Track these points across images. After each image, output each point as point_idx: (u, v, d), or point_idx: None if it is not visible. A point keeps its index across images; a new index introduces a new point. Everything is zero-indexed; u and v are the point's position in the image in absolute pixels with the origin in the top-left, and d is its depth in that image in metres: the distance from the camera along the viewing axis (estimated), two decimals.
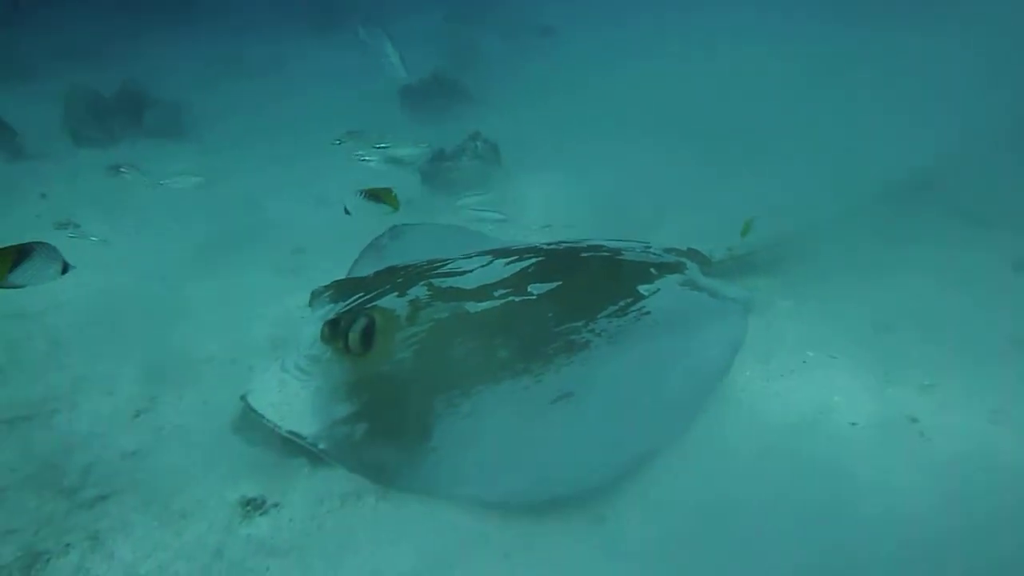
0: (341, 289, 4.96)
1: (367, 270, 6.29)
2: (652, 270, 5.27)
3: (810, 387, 4.74)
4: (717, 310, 5.17)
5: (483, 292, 4.81)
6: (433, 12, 19.57)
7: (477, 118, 11.07)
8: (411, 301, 4.66)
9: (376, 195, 5.46)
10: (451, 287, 4.81)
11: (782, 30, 14.80)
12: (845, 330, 5.19)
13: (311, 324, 4.80)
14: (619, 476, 3.99)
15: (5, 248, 3.96)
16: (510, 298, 4.79)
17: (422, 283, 4.82)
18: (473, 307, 4.71)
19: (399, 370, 4.46)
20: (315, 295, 4.99)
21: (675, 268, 5.38)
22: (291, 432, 4.37)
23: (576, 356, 4.58)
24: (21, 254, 4.03)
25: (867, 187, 6.90)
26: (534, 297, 4.83)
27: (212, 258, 7.21)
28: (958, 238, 6.58)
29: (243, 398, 4.64)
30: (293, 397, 4.52)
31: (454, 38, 16.18)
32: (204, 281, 6.82)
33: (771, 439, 4.25)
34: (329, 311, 4.78)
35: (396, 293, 4.75)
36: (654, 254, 5.54)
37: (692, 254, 5.66)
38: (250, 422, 4.69)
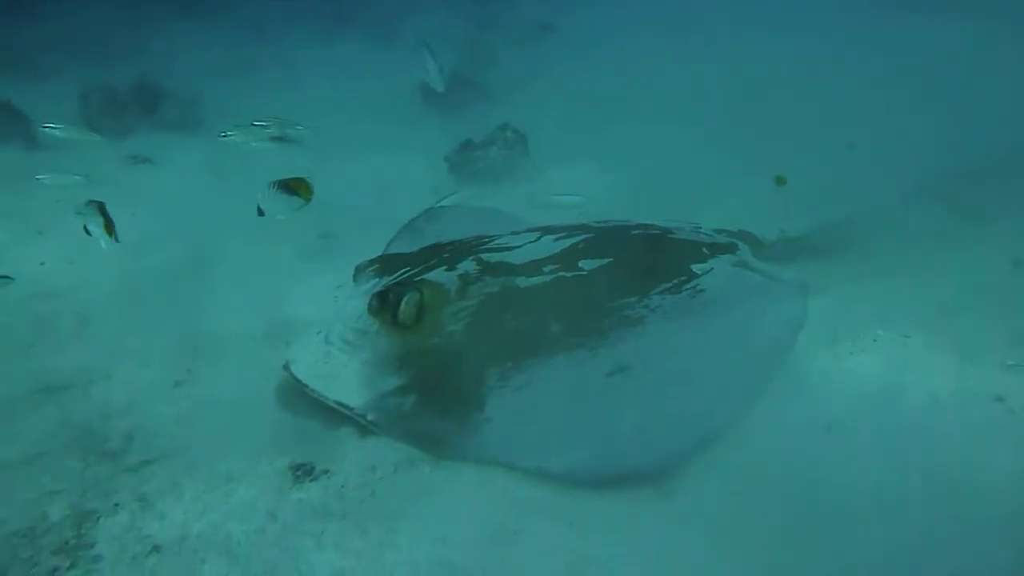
0: (386, 264, 4.95)
1: (404, 249, 6.31)
2: (704, 250, 5.25)
3: (884, 365, 4.67)
4: (774, 290, 5.15)
5: (533, 267, 4.80)
6: (438, 11, 19.55)
7: (496, 112, 11.09)
8: (460, 275, 4.66)
9: (289, 186, 5.28)
10: (500, 262, 4.80)
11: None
12: (911, 311, 5.13)
13: (355, 298, 4.79)
14: (689, 451, 3.96)
15: None
16: (560, 273, 4.79)
17: (470, 258, 4.81)
18: (523, 282, 4.70)
19: (449, 343, 4.45)
20: (359, 270, 4.98)
21: (727, 249, 5.37)
22: (338, 403, 4.35)
23: (631, 331, 4.57)
24: None
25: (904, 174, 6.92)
26: (585, 273, 4.82)
27: (232, 241, 7.17)
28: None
29: (286, 368, 4.61)
30: (340, 368, 4.50)
31: (465, 36, 16.22)
32: (226, 262, 6.78)
33: (846, 415, 4.21)
34: (375, 285, 4.77)
35: (445, 267, 4.73)
36: (705, 234, 5.53)
37: (744, 235, 5.66)
38: (291, 393, 4.68)
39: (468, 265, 4.74)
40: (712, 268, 5.07)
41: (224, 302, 6.00)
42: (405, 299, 4.48)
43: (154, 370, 5.15)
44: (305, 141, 8.62)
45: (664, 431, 4.02)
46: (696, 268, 5.03)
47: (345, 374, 4.50)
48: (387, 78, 13.41)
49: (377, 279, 4.83)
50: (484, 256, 4.83)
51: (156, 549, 3.61)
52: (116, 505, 3.89)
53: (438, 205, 7.31)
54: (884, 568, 3.39)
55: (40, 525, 3.76)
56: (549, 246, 5.00)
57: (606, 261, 4.89)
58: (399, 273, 4.81)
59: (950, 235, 6.03)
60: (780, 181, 5.68)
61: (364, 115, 11.65)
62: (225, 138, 6.07)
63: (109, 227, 5.04)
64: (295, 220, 7.56)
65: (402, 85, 12.90)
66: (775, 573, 3.40)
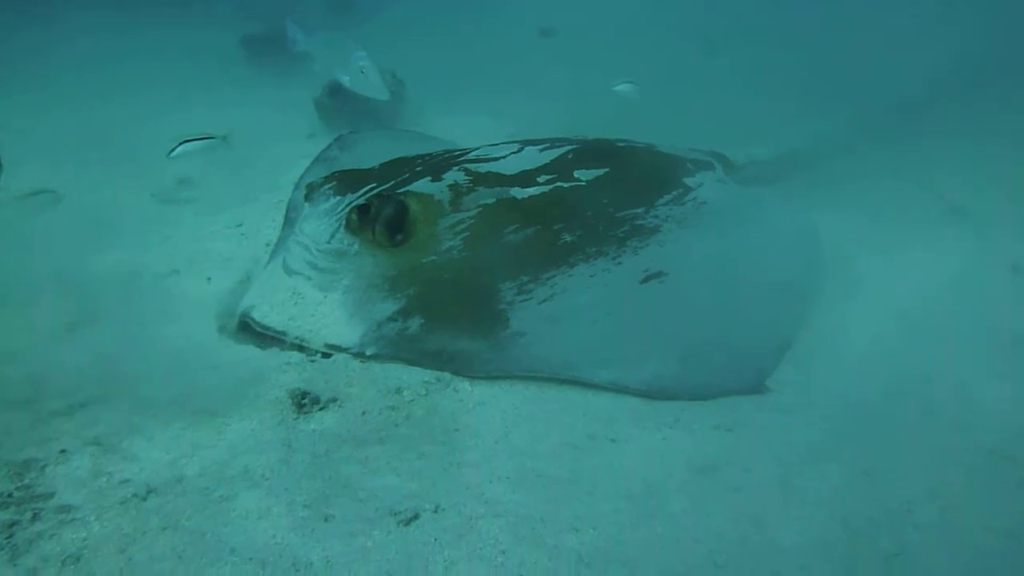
0: (345, 180, 4.30)
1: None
2: (689, 165, 5.09)
3: (937, 256, 4.73)
4: (772, 202, 5.09)
5: (527, 178, 4.38)
6: None
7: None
8: (450, 186, 4.15)
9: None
10: (491, 172, 4.35)
11: None
12: (912, 214, 5.27)
13: (313, 219, 4.13)
14: (777, 359, 3.76)
15: None
16: (558, 184, 4.40)
17: (455, 168, 4.31)
18: (520, 193, 4.27)
19: (449, 259, 3.94)
20: (312, 188, 4.29)
21: (708, 166, 5.25)
22: (329, 346, 3.74)
23: (651, 239, 4.28)
24: None
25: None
26: (584, 183, 4.47)
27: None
28: None
29: (246, 317, 3.88)
30: (317, 304, 3.85)
31: None
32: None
33: (912, 306, 4.19)
34: (338, 204, 4.13)
35: (429, 178, 4.21)
36: (685, 150, 5.39)
37: (717, 156, 5.58)
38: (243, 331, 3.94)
39: (456, 176, 4.24)
40: (703, 183, 4.92)
41: (105, 241, 4.99)
42: (386, 212, 3.92)
43: (37, 313, 4.09)
44: None
45: (747, 340, 3.81)
46: (689, 181, 4.86)
47: (325, 309, 3.84)
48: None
49: (338, 197, 4.18)
50: (471, 167, 4.35)
51: (151, 491, 2.75)
52: (63, 452, 2.94)
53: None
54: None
55: None
56: (536, 156, 4.59)
57: (602, 171, 4.57)
58: (366, 189, 4.20)
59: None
60: None
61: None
62: None
63: None
64: (145, 168, 6.55)
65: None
66: (888, 453, 3.20)
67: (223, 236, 5.16)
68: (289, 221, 5.13)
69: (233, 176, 6.53)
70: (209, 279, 4.53)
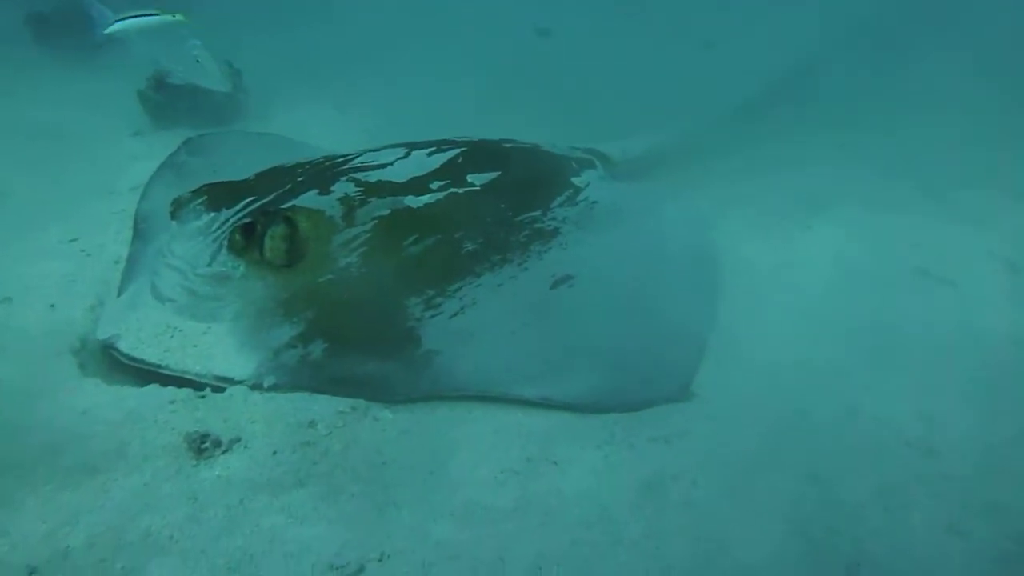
0: (218, 195, 3.89)
1: (167, 194, 5.08)
2: (573, 164, 5.02)
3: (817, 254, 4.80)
4: (658, 197, 5.10)
5: (419, 185, 4.15)
6: None
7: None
8: (341, 199, 3.87)
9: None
10: (381, 181, 4.09)
11: None
12: (784, 209, 5.39)
13: (184, 239, 3.73)
14: (697, 361, 3.72)
15: None
16: (452, 190, 4.20)
17: (343, 179, 4.03)
18: (414, 201, 4.05)
19: (347, 277, 3.66)
20: (179, 204, 3.85)
21: (590, 164, 5.20)
22: (221, 378, 3.38)
23: (552, 243, 4.16)
24: None
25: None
26: (478, 188, 4.29)
27: None
28: None
29: (110, 347, 3.46)
30: (201, 335, 3.48)
31: None
32: None
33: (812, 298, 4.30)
34: (212, 221, 3.74)
35: (316, 191, 3.90)
36: (566, 149, 5.31)
37: (594, 153, 5.54)
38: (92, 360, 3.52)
39: (345, 187, 3.96)
40: (589, 182, 4.87)
41: None
42: (274, 231, 3.61)
43: None
44: None
45: (667, 345, 3.75)
46: (576, 181, 4.80)
47: (211, 339, 3.46)
48: None
49: (211, 213, 3.78)
50: (359, 176, 4.08)
51: (33, 571, 2.31)
52: None
53: None
54: None
55: None
56: (424, 161, 4.37)
57: (494, 175, 4.41)
58: (244, 204, 3.83)
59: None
60: None
61: None
62: None
63: None
64: None
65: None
66: (827, 456, 3.23)
67: (58, 254, 4.51)
68: (140, 235, 4.63)
69: (52, 183, 5.79)
70: (52, 306, 3.95)
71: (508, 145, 4.89)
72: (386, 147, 4.56)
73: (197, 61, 6.29)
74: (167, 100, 7.25)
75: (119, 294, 4.02)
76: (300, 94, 8.24)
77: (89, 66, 8.93)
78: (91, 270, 4.34)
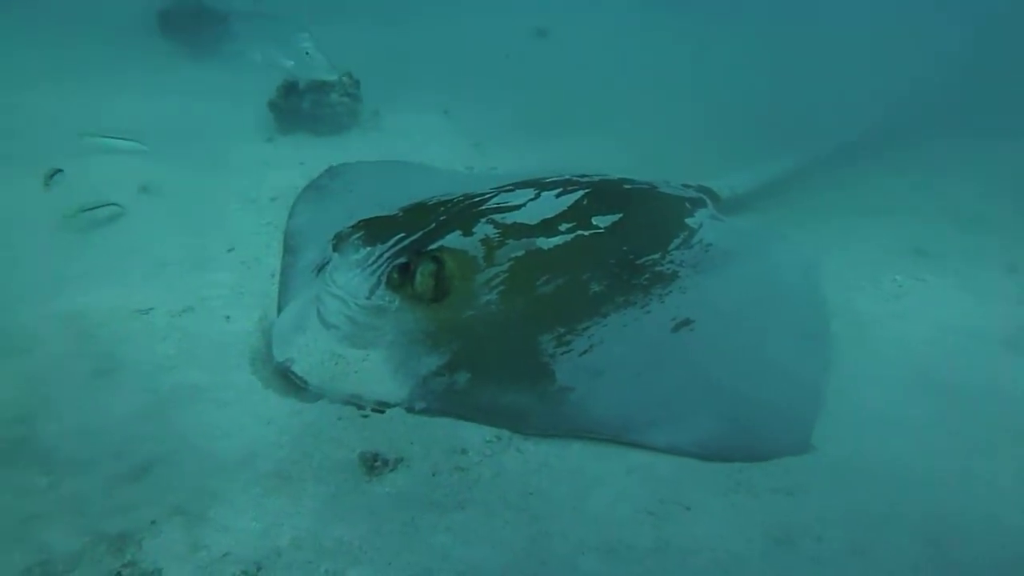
0: (372, 231, 4.42)
1: (311, 213, 5.72)
2: (687, 204, 5.44)
3: (927, 307, 5.11)
4: (767, 239, 5.47)
5: (549, 227, 4.62)
6: None
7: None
8: (482, 241, 4.37)
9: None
10: (516, 223, 4.57)
11: None
12: (895, 256, 5.75)
13: (345, 271, 4.25)
14: (814, 416, 3.98)
15: None
16: (579, 232, 4.66)
17: (483, 220, 4.51)
18: (545, 243, 4.51)
19: (488, 313, 4.15)
20: (341, 238, 4.38)
21: (701, 203, 5.60)
22: (380, 402, 3.91)
23: (672, 286, 4.57)
24: None
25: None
26: (602, 230, 4.74)
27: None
28: None
29: (285, 370, 4.02)
30: (361, 361, 4.00)
31: None
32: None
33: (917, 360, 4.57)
34: (369, 255, 4.26)
35: (460, 232, 4.39)
36: (679, 188, 5.72)
37: (704, 190, 5.92)
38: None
39: (485, 228, 4.45)
40: (702, 223, 5.28)
41: (84, 274, 4.92)
42: (420, 269, 4.11)
43: (47, 359, 4.05)
44: None
45: (786, 394, 4.07)
46: (690, 222, 5.21)
47: (369, 365, 3.99)
48: None
49: (368, 248, 4.30)
50: (496, 218, 4.56)
51: (260, 568, 2.87)
52: (153, 523, 3.01)
53: None
54: None
55: (50, 560, 2.80)
56: (553, 203, 4.83)
57: (617, 217, 4.86)
58: (396, 239, 4.34)
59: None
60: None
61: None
62: None
63: None
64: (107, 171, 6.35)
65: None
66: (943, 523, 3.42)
67: (222, 264, 5.15)
68: (290, 250, 5.20)
69: (197, 185, 6.44)
70: (228, 317, 4.53)
71: (628, 186, 5.32)
72: (515, 186, 5.03)
73: (306, 54, 6.89)
74: (290, 107, 7.86)
75: (279, 309, 4.58)
76: (407, 99, 8.84)
77: (216, 63, 9.63)
78: (253, 282, 4.93)
